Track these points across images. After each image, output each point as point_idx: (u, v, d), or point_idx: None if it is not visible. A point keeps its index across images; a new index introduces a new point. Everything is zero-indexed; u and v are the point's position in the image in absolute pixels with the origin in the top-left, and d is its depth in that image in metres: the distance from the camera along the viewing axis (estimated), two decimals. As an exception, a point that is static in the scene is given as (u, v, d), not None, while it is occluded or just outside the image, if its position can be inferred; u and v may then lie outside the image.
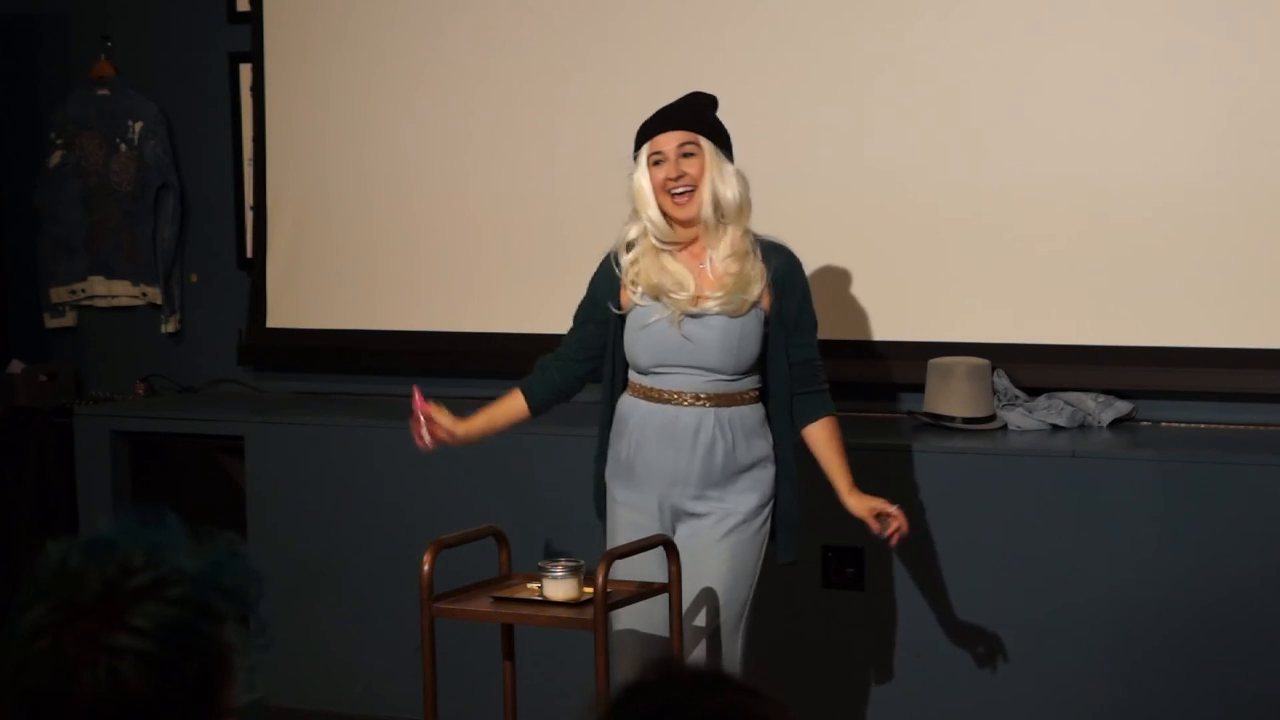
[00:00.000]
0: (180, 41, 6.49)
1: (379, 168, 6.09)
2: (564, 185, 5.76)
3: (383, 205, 6.09)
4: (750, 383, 4.17)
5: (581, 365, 4.26)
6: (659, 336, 4.12)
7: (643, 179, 4.12)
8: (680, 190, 4.09)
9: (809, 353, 4.23)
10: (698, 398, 4.12)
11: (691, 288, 4.09)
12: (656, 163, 4.10)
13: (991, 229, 5.29)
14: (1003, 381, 5.24)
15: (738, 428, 4.13)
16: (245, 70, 6.34)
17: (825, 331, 5.42)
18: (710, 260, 4.13)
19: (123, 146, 6.51)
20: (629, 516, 4.18)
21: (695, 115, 4.14)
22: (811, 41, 5.46)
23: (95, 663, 1.49)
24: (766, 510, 4.18)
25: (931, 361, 5.22)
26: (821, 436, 4.20)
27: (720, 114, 4.23)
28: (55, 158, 6.60)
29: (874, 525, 4.11)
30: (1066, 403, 5.18)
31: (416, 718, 4.22)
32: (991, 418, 5.15)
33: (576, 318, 4.28)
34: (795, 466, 4.24)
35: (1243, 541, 4.66)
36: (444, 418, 4.15)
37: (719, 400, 4.12)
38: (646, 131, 4.15)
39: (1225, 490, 4.68)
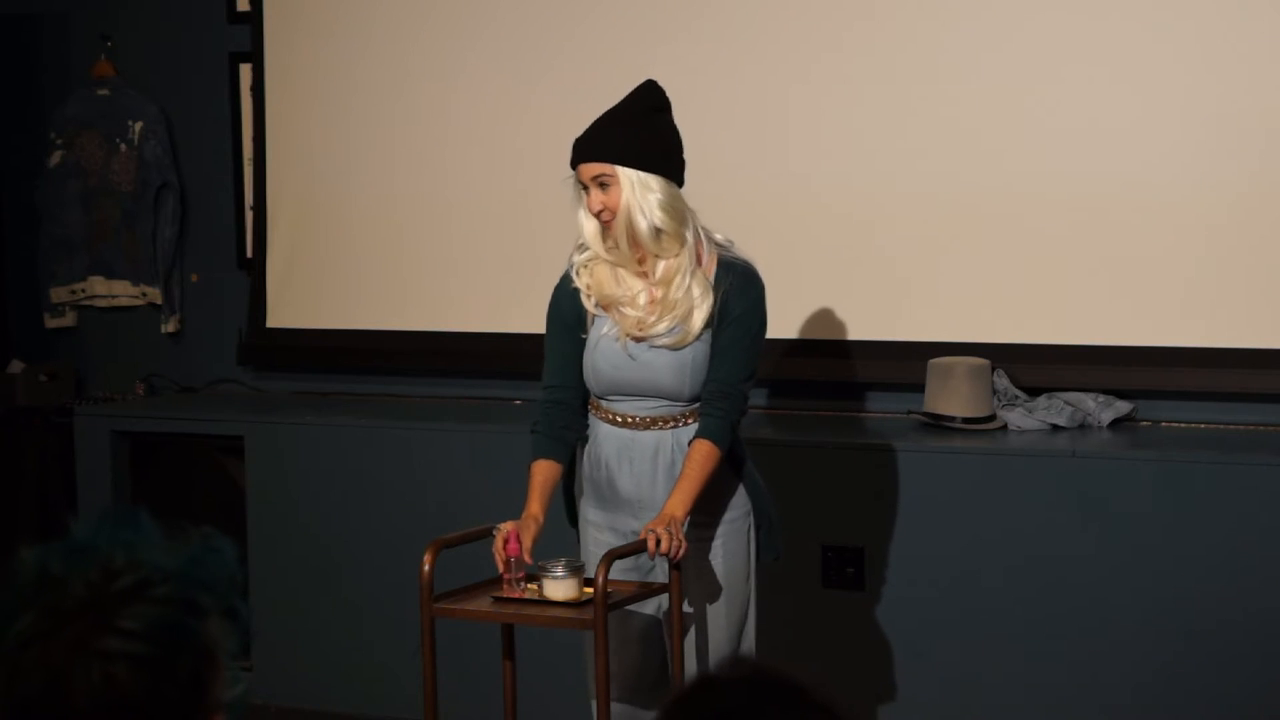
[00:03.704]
0: (180, 41, 6.49)
1: (379, 167, 6.08)
2: (569, 184, 5.75)
3: (383, 205, 6.08)
4: None
5: (574, 391, 4.07)
6: (609, 357, 4.01)
7: (582, 212, 4.02)
8: (606, 219, 3.97)
9: (726, 376, 3.97)
10: (654, 421, 4.01)
11: (641, 306, 3.97)
12: (586, 190, 4.00)
13: (991, 229, 5.29)
14: (1003, 381, 5.24)
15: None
16: (245, 70, 6.34)
17: (825, 332, 5.46)
18: (651, 278, 4.00)
19: (123, 146, 6.51)
20: (599, 537, 4.09)
21: (603, 141, 3.99)
22: (811, 40, 5.46)
23: (88, 669, 1.49)
24: (746, 525, 4.06)
25: (931, 361, 5.22)
26: (691, 452, 3.93)
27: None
28: (55, 158, 6.60)
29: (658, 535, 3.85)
30: (1066, 403, 5.17)
31: (416, 718, 4.22)
32: (991, 418, 5.15)
33: (548, 347, 4.12)
34: (754, 466, 4.12)
35: (1243, 541, 4.66)
36: (527, 538, 3.90)
37: (674, 422, 4.01)
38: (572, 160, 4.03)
39: (1225, 490, 4.68)
